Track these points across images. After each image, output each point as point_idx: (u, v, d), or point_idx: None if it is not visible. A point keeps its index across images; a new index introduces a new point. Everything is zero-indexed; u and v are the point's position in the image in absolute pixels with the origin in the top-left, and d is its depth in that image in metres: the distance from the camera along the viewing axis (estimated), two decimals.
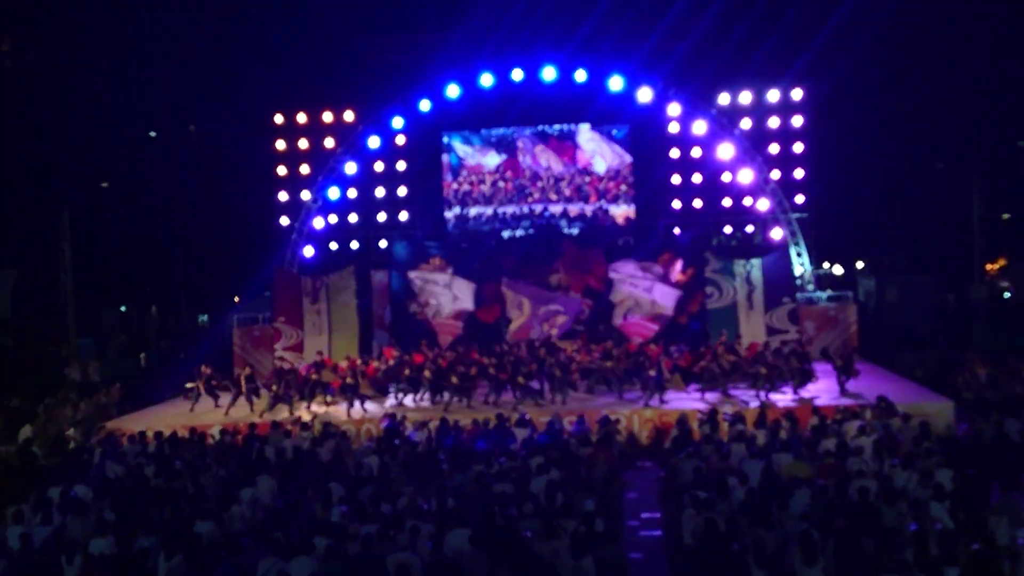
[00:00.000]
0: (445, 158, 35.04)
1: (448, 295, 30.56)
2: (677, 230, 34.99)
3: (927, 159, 44.89)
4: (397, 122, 32.94)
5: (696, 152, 33.79)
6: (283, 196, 34.95)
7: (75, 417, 23.70)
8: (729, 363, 24.13)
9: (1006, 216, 46.17)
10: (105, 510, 14.40)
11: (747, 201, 33.44)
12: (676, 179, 34.67)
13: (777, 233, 32.48)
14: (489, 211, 34.86)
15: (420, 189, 35.91)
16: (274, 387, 24.01)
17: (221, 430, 21.10)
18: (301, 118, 35.05)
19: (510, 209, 34.68)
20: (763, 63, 33.97)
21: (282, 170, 35.09)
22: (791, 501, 13.27)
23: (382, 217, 35.61)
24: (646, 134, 34.92)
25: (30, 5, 35.98)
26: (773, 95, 33.65)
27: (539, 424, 19.90)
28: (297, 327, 30.40)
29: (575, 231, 34.47)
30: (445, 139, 34.90)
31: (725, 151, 31.99)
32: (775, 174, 32.60)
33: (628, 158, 34.59)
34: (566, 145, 34.57)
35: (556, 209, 34.44)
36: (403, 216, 35.69)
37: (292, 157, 35.09)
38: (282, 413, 23.11)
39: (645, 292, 29.27)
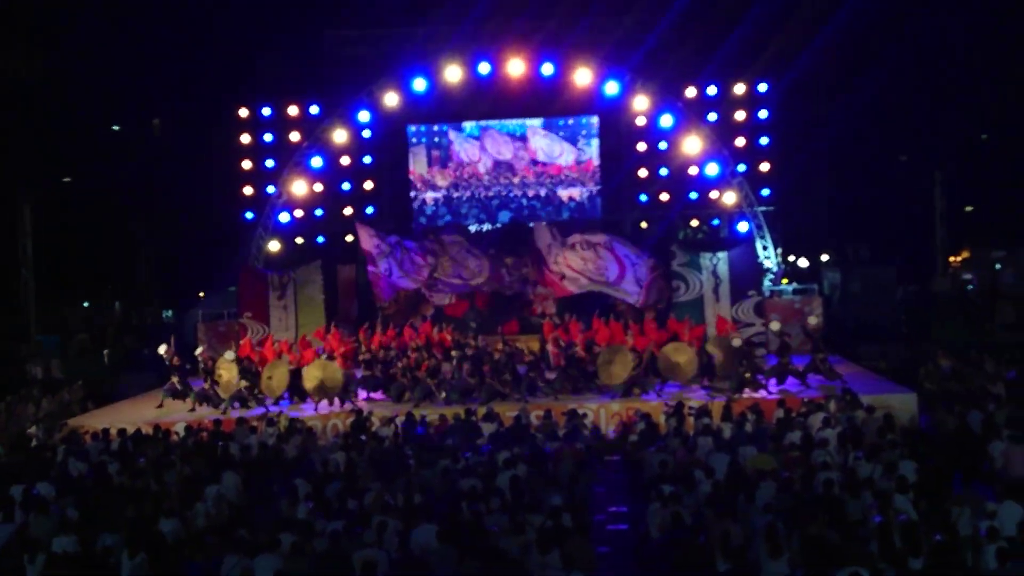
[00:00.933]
0: (427, 151, 35.10)
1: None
2: (644, 224, 35.20)
3: (891, 152, 45.26)
4: (363, 116, 32.76)
5: (663, 145, 33.85)
6: (248, 191, 34.68)
7: (37, 415, 23.45)
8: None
9: (969, 208, 46.63)
10: (68, 508, 14.24)
11: (714, 194, 33.55)
12: (643, 172, 34.75)
13: (743, 226, 32.62)
14: (468, 193, 34.94)
15: (387, 183, 35.80)
16: (242, 383, 23.73)
17: (186, 427, 20.92)
18: (266, 112, 34.80)
19: (491, 191, 34.79)
20: (729, 56, 34.07)
21: (247, 164, 34.82)
22: (757, 494, 13.35)
23: (349, 211, 35.44)
24: (613, 128, 34.99)
25: None
26: (739, 88, 33.76)
27: (506, 419, 19.86)
28: (264, 323, 30.21)
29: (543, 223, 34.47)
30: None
31: (692, 144, 32.06)
32: (741, 167, 32.73)
33: (585, 155, 34.66)
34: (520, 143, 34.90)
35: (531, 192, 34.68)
36: (369, 210, 35.55)
37: (257, 151, 34.83)
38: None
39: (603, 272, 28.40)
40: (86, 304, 43.71)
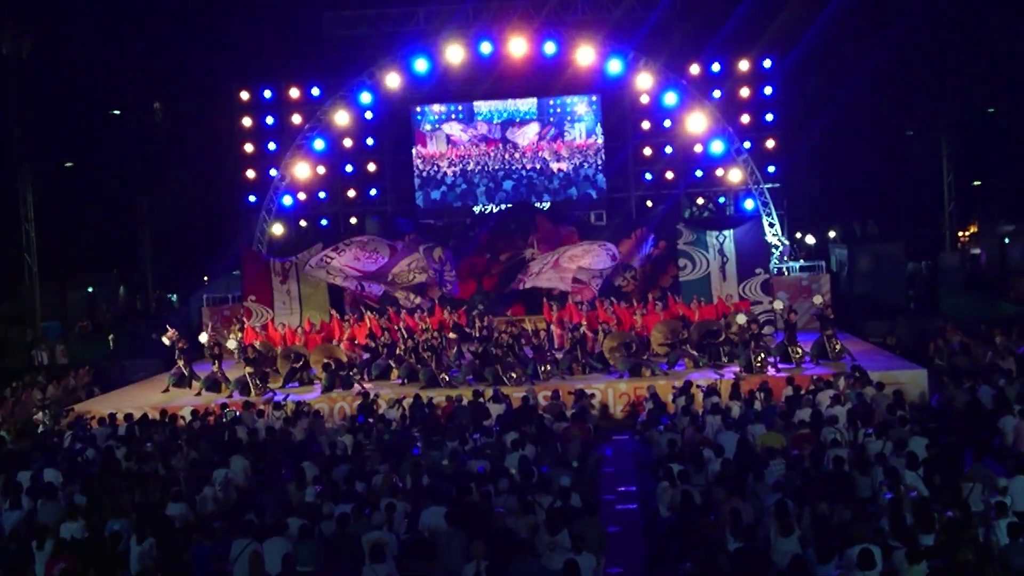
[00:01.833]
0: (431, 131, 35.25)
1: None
2: (649, 203, 35.07)
3: (898, 127, 44.98)
4: (365, 97, 32.57)
5: (667, 124, 33.69)
6: (250, 174, 34.53)
7: (44, 400, 23.42)
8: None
9: (977, 183, 46.38)
10: (75, 494, 14.26)
11: (719, 172, 33.40)
12: (647, 151, 34.60)
13: (749, 204, 32.47)
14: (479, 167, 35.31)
15: (390, 164, 35.69)
16: (247, 369, 23.62)
17: (192, 411, 20.90)
18: (267, 95, 34.61)
19: (496, 165, 35.03)
20: (733, 33, 33.84)
21: (249, 147, 34.67)
22: (766, 472, 13.29)
23: (352, 194, 35.32)
24: (617, 107, 34.81)
25: None
26: (744, 65, 33.52)
27: (514, 400, 19.80)
28: (267, 306, 30.16)
29: (547, 205, 34.47)
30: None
31: (696, 122, 31.85)
32: (746, 144, 32.52)
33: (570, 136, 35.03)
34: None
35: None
36: (373, 192, 35.45)
37: (259, 134, 34.67)
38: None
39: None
40: (90, 289, 43.61)
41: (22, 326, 34.65)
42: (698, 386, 19.87)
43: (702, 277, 29.13)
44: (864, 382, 18.94)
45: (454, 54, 31.57)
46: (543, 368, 22.83)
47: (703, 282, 29.03)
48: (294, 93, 34.46)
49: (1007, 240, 42.74)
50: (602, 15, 33.83)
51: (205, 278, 38.31)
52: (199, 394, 23.29)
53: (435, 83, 33.44)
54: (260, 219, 33.09)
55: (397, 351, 23.91)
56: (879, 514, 11.79)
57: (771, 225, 32.00)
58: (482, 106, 35.28)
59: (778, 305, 24.71)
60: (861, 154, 44.88)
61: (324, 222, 35.43)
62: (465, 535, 11.32)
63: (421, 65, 31.89)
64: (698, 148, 33.25)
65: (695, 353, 23.62)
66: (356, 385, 22.80)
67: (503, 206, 34.70)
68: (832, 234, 47.42)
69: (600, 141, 35.07)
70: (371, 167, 35.26)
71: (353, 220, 35.36)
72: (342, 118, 32.71)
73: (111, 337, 35.51)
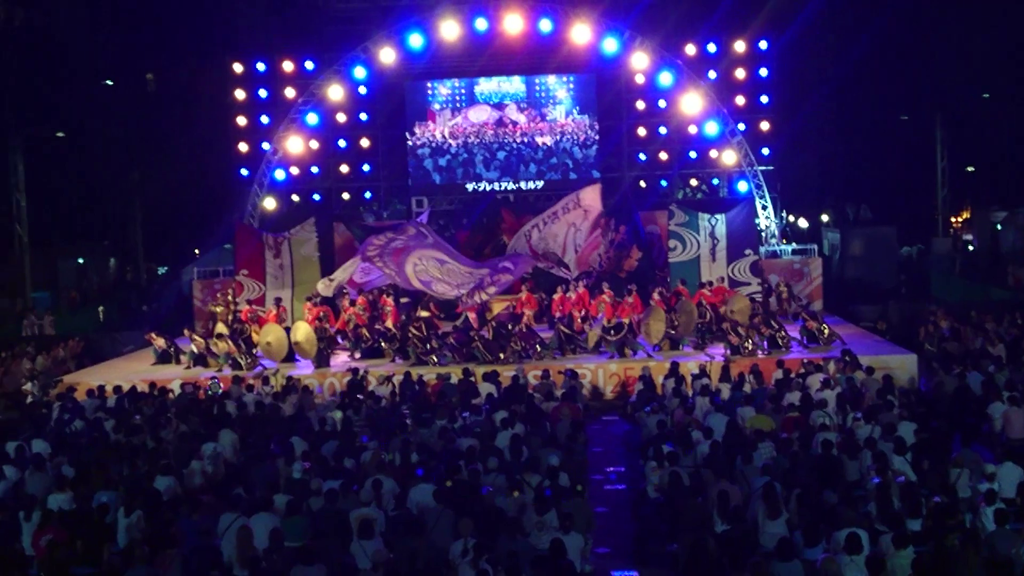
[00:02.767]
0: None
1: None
2: (643, 183, 35.04)
3: (892, 112, 44.96)
4: (359, 72, 32.39)
5: (662, 104, 33.57)
6: (243, 147, 34.30)
7: (33, 371, 23.37)
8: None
9: (970, 169, 46.42)
10: (63, 465, 14.21)
11: (713, 154, 33.35)
12: (642, 131, 34.50)
13: (743, 186, 32.45)
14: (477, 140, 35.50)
15: (384, 140, 35.53)
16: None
17: (182, 384, 20.86)
18: (260, 67, 34.35)
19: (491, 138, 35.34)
20: (730, 13, 33.71)
21: (242, 120, 34.41)
22: (755, 455, 13.32)
23: (345, 169, 35.16)
24: (611, 86, 34.69)
25: None
26: (739, 46, 33.37)
27: (504, 379, 19.78)
28: (260, 280, 30.03)
29: (537, 183, 34.63)
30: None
31: (691, 103, 31.76)
32: (741, 126, 32.46)
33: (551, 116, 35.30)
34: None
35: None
36: (366, 168, 35.30)
37: (252, 107, 34.42)
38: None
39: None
40: (80, 260, 43.47)
41: (12, 296, 34.56)
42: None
43: (692, 259, 29.05)
44: (854, 366, 18.98)
45: (449, 30, 31.39)
46: (538, 348, 22.81)
47: (693, 264, 28.95)
48: (288, 66, 34.17)
49: (999, 227, 42.80)
50: None
51: (196, 251, 38.17)
52: (188, 368, 23.24)
53: (430, 59, 33.25)
54: (252, 193, 32.94)
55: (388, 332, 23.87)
56: (867, 498, 11.86)
57: (764, 208, 31.99)
58: (483, 88, 35.32)
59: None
60: (855, 138, 44.88)
61: (317, 197, 35.25)
62: (453, 513, 11.33)
63: (416, 40, 31.70)
64: (692, 129, 33.17)
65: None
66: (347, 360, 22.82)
67: (486, 186, 34.64)
68: (825, 218, 47.47)
69: (576, 120, 35.15)
70: (364, 143, 35.07)
71: (346, 195, 35.21)
72: (336, 92, 32.51)
73: (101, 309, 35.41)
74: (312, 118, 32.81)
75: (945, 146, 37.89)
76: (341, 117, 34.28)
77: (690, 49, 33.15)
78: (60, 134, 40.32)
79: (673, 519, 12.10)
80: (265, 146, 33.29)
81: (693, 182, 36.40)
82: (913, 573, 10.06)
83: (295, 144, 32.84)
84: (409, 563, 10.45)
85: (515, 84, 35.50)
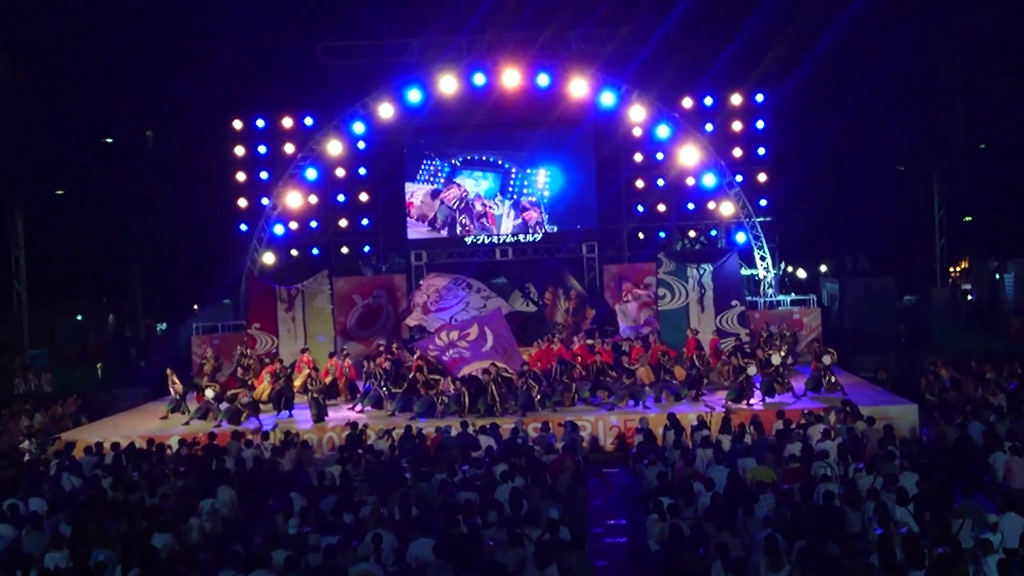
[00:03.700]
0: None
1: None
2: (641, 235, 35.13)
3: (889, 162, 45.22)
4: (358, 127, 32.67)
5: (660, 156, 33.73)
6: (242, 202, 34.46)
7: (30, 428, 23.25)
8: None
9: (967, 218, 46.60)
10: (61, 523, 14.11)
11: (711, 205, 33.50)
12: (640, 183, 34.62)
13: (741, 237, 32.59)
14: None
15: (382, 194, 35.62)
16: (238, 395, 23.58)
17: (180, 440, 20.76)
18: (260, 124, 34.62)
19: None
20: (726, 67, 34.03)
21: (241, 176, 34.60)
22: (756, 506, 13.24)
23: (343, 223, 35.27)
24: (609, 139, 34.85)
25: None
26: (736, 99, 33.68)
27: (503, 431, 19.71)
28: (272, 333, 30.09)
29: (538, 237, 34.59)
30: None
31: (689, 155, 31.99)
32: (738, 178, 32.66)
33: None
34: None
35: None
36: (365, 222, 35.38)
37: (251, 163, 34.65)
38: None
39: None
40: (79, 317, 43.43)
41: (11, 354, 34.50)
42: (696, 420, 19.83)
43: (681, 307, 29.43)
44: (855, 417, 18.92)
45: (447, 85, 31.72)
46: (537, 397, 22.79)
47: (681, 312, 29.40)
48: (287, 122, 34.44)
49: (997, 276, 42.89)
50: (595, 48, 33.92)
51: (195, 307, 38.18)
52: (188, 423, 23.18)
53: (428, 114, 33.49)
54: (251, 248, 33.05)
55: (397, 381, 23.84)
56: (869, 549, 11.75)
57: (763, 259, 32.10)
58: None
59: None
60: (852, 189, 45.09)
61: (316, 251, 35.32)
62: (453, 568, 11.22)
63: (414, 96, 32.02)
64: (690, 181, 33.33)
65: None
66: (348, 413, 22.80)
67: (484, 239, 34.36)
68: (823, 268, 47.57)
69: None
70: (363, 197, 35.19)
71: (344, 249, 35.28)
72: (335, 148, 32.77)
73: (99, 365, 35.34)
74: (311, 173, 33.04)
75: (942, 196, 38.02)
76: (340, 172, 34.42)
77: (687, 102, 33.48)
78: (59, 191, 40.54)
79: (673, 572, 11.99)
80: (264, 201, 33.49)
81: (691, 233, 36.50)
82: None
83: (294, 199, 33.03)
84: None
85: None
